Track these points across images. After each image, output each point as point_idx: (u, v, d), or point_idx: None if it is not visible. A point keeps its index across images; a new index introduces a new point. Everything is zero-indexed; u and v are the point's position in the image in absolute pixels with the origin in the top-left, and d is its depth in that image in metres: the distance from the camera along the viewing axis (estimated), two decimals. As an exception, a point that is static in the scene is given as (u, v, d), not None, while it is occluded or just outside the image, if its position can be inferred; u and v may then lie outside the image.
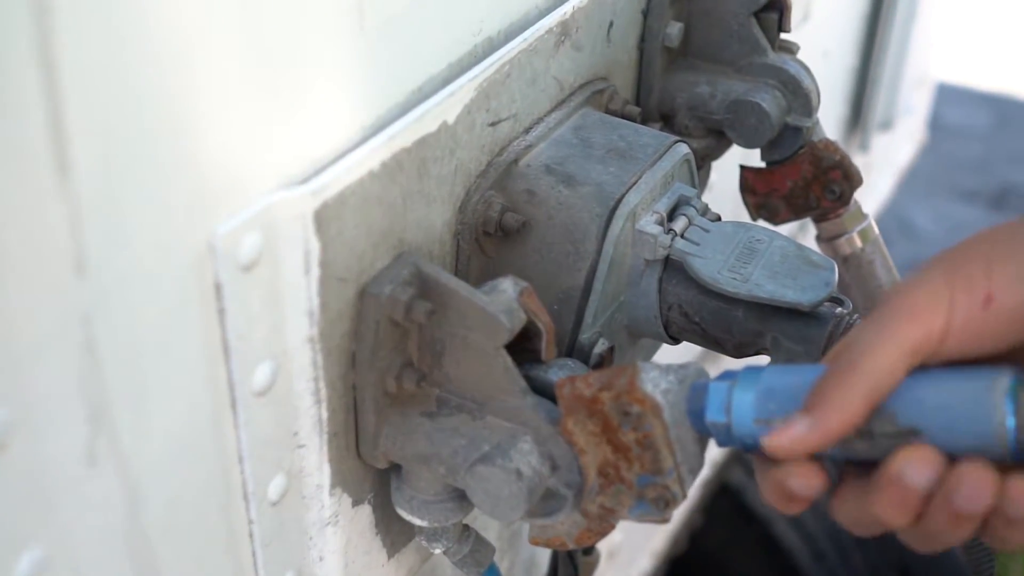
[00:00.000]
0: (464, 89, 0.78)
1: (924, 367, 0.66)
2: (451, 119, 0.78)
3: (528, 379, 0.78)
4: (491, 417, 0.79)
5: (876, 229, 1.10)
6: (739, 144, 1.04)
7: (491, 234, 0.84)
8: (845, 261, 1.10)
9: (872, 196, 2.07)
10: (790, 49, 1.05)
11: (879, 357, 0.63)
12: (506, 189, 0.85)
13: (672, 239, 0.86)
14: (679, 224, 0.87)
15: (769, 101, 1.01)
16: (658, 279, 0.88)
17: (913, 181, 2.56)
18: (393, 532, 0.88)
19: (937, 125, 2.68)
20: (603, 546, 0.94)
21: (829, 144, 1.05)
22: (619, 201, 0.84)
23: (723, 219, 0.91)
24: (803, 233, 1.78)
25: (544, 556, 1.23)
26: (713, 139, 1.06)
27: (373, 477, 0.84)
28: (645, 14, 1.01)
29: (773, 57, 1.02)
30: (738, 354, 0.89)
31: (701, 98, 1.03)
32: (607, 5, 0.94)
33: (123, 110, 0.56)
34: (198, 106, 0.60)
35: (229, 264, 0.64)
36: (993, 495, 0.62)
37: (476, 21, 0.82)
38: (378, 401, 0.78)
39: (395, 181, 0.74)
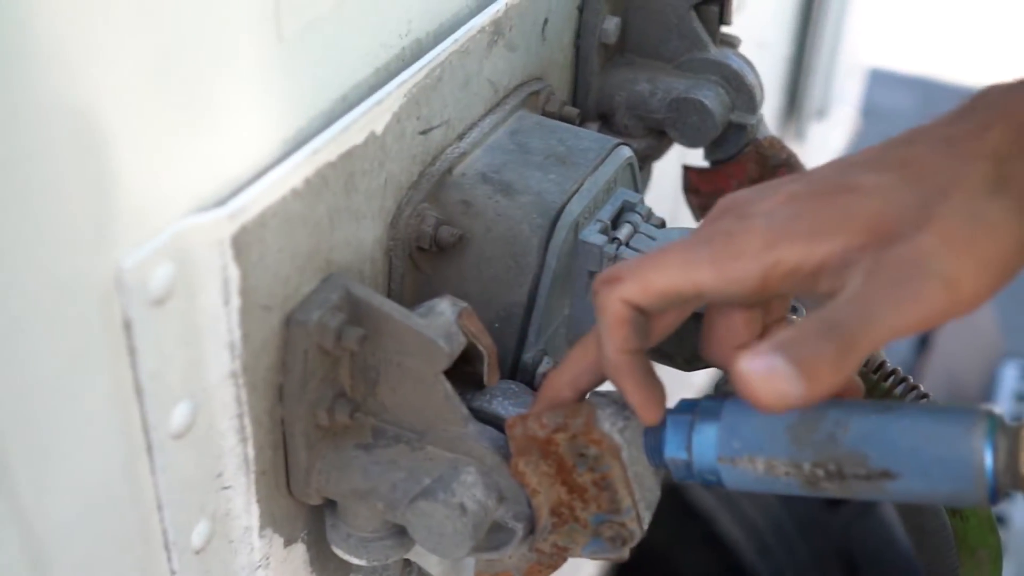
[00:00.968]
0: (392, 96, 0.73)
1: (897, 403, 0.62)
2: (379, 129, 0.72)
3: (471, 411, 0.73)
4: (431, 447, 0.74)
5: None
6: (682, 143, 0.99)
7: (426, 250, 0.78)
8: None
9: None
10: (731, 43, 1.01)
11: (887, 328, 0.56)
12: (440, 201, 0.79)
13: (617, 249, 0.81)
14: (623, 232, 0.82)
15: (712, 98, 0.96)
16: (604, 291, 0.83)
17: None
18: (329, 571, 0.83)
19: (867, 109, 2.67)
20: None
21: (775, 142, 1.01)
22: (561, 210, 0.79)
23: (667, 224, 0.86)
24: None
25: (489, 576, 1.18)
26: (654, 139, 1.01)
27: (306, 514, 0.78)
28: (581, 9, 0.96)
29: (715, 52, 0.98)
30: (689, 368, 0.85)
31: (641, 96, 0.98)
32: (541, 1, 0.89)
33: (4, 129, 0.49)
34: (95, 123, 0.54)
35: (138, 299, 0.58)
36: None
37: (404, 22, 0.76)
38: (309, 435, 0.72)
39: (320, 199, 0.69)
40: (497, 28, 0.84)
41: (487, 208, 0.79)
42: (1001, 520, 2.07)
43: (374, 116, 0.71)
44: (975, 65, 4.21)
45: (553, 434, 0.69)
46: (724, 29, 1.00)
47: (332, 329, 0.69)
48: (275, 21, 0.63)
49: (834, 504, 2.00)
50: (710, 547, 1.98)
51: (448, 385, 0.72)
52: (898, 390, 0.79)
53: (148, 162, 0.58)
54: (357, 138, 0.70)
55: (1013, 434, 0.60)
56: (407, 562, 0.82)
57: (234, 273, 0.63)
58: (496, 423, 0.74)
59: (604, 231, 0.82)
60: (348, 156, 0.70)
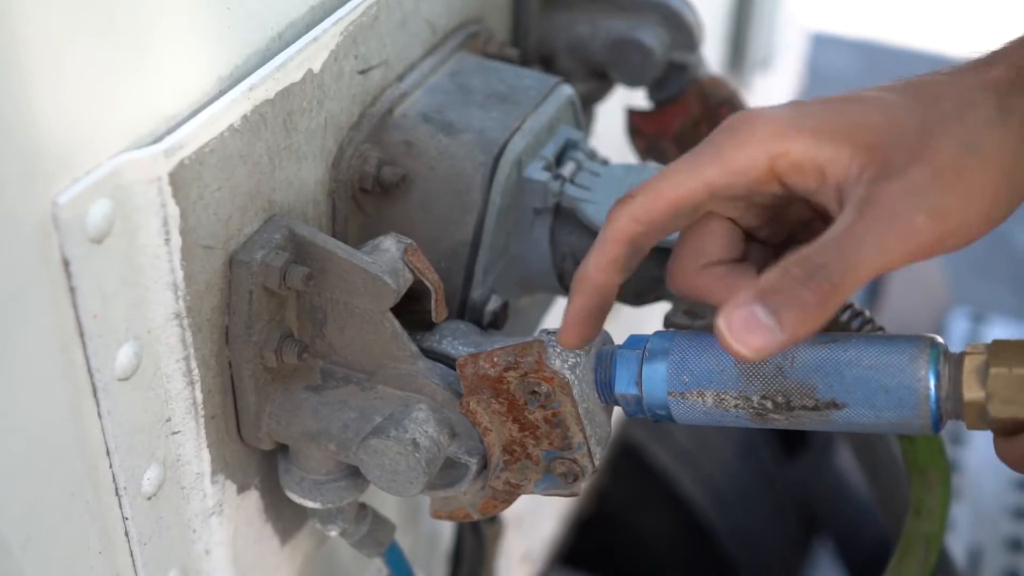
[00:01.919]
0: (329, 34, 0.72)
1: (845, 334, 0.64)
2: (316, 67, 0.72)
3: (421, 351, 0.72)
4: (381, 386, 0.74)
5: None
6: (623, 83, 0.99)
7: (369, 191, 0.78)
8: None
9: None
10: (670, -17, 1.01)
11: (870, 269, 0.57)
12: (382, 141, 0.79)
13: (562, 185, 0.81)
14: (567, 169, 0.82)
15: (651, 38, 0.97)
16: (549, 229, 0.83)
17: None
18: (284, 517, 0.83)
19: (811, 73, 2.69)
20: (508, 513, 0.89)
21: (716, 80, 1.01)
22: (503, 147, 0.79)
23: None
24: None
25: (447, 529, 1.18)
26: (596, 81, 1.01)
27: (258, 460, 0.78)
28: (517, -49, 0.96)
29: (654, -9, 0.98)
30: (637, 302, 0.85)
31: (581, 38, 0.98)
32: (477, -59, 0.89)
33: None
34: (22, 56, 0.53)
35: (76, 236, 0.57)
36: None
37: (338, -40, 0.75)
38: (258, 378, 0.72)
39: (259, 137, 0.68)
40: (433, -32, 0.83)
41: (429, 147, 0.79)
42: (956, 467, 2.10)
43: (310, 53, 0.71)
44: (919, 28, 4.24)
45: (504, 372, 0.69)
46: (663, -31, 1.00)
47: (276, 268, 0.68)
48: (205, -47, 0.63)
49: (791, 456, 2.02)
50: (670, 507, 1.99)
51: (396, 323, 0.72)
52: (855, 323, 0.79)
53: (79, 98, 0.57)
54: (295, 75, 0.70)
55: (956, 362, 0.61)
56: (362, 506, 0.82)
57: (173, 211, 0.62)
58: (446, 362, 0.74)
59: (548, 168, 0.81)
60: (286, 94, 0.69)
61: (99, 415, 0.64)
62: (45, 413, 0.60)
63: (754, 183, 0.62)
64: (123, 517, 0.68)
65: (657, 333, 0.69)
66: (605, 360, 0.70)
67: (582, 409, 0.69)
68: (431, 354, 0.75)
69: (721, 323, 0.57)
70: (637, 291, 0.83)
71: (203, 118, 0.63)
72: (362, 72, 0.77)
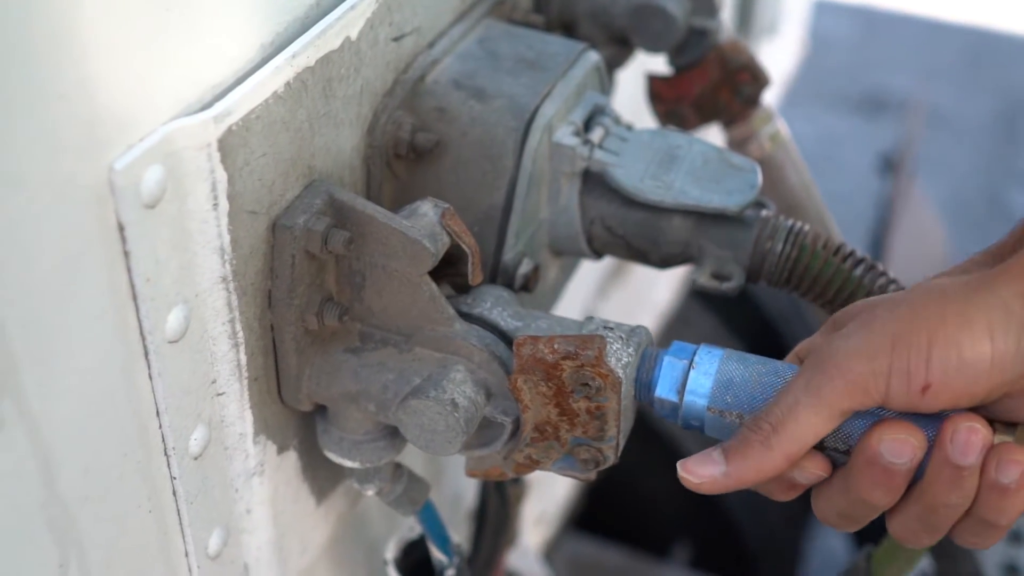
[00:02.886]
0: (365, 1, 0.73)
1: None
2: (354, 34, 0.73)
3: (470, 318, 0.74)
4: (419, 348, 0.75)
5: (786, 131, 1.08)
6: (645, 49, 1.00)
7: (403, 156, 0.79)
8: (756, 165, 1.08)
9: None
10: (690, -51, 1.01)
11: (806, 423, 0.63)
12: (415, 108, 0.80)
13: (591, 150, 0.82)
14: (596, 134, 0.84)
15: (673, 3, 0.97)
16: (578, 193, 0.84)
17: (791, 90, 2.58)
18: (320, 477, 0.84)
19: (812, 38, 2.69)
20: (528, 475, 0.91)
21: (736, 45, 1.02)
22: (534, 113, 0.80)
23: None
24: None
25: (470, 490, 1.20)
26: (617, 47, 1.02)
27: (297, 422, 0.80)
28: (541, -82, 0.96)
29: (674, -43, 0.98)
30: (664, 265, 0.87)
31: (603, 4, 0.99)
32: (503, -91, 0.90)
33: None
34: (82, 26, 0.54)
35: (131, 201, 0.59)
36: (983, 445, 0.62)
37: (371, -71, 0.76)
38: (299, 340, 0.73)
39: (300, 104, 0.69)
40: (462, -65, 0.84)
41: (462, 113, 0.80)
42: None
43: (348, 21, 0.72)
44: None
45: (562, 360, 0.70)
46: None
47: (318, 233, 0.70)
48: (251, -78, 0.64)
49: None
50: (674, 471, 2.01)
51: (434, 286, 0.73)
52: (867, 277, 0.81)
53: (134, 66, 0.58)
54: (333, 43, 0.71)
55: None
56: (398, 466, 0.83)
57: (221, 177, 0.64)
58: (494, 332, 0.75)
59: (577, 133, 0.83)
60: (326, 61, 0.70)
61: (150, 376, 0.65)
62: (101, 376, 0.62)
63: None
64: (171, 477, 0.69)
65: (705, 347, 0.70)
66: (649, 361, 0.71)
67: (623, 406, 0.71)
68: (480, 322, 0.76)
69: (680, 463, 0.66)
70: (665, 256, 0.85)
71: (249, 85, 0.64)
72: (396, 39, 0.78)
